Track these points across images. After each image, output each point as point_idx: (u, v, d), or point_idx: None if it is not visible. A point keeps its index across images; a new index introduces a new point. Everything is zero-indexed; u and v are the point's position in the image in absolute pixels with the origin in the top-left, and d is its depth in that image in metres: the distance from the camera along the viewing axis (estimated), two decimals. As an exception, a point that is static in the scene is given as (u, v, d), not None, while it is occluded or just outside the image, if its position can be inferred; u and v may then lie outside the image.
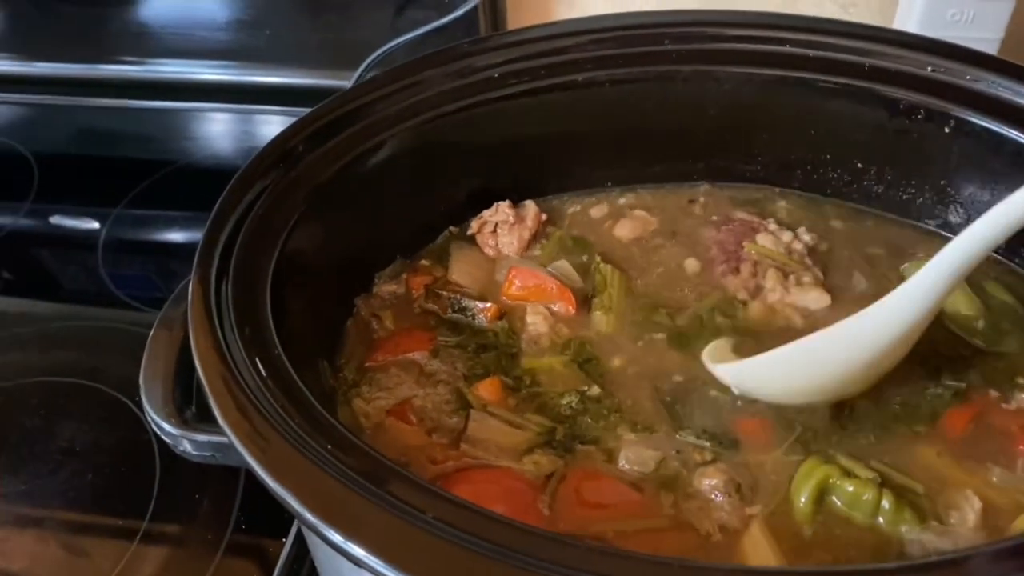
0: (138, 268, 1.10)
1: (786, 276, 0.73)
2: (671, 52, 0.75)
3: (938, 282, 0.57)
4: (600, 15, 0.77)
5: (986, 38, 0.97)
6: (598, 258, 0.74)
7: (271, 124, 1.24)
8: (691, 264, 0.75)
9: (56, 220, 1.14)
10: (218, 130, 1.27)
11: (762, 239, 0.75)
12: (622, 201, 0.81)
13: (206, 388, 0.52)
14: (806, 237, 0.76)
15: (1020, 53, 0.95)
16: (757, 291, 0.72)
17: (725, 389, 0.65)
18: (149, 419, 0.61)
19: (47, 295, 1.04)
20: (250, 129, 1.26)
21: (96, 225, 1.11)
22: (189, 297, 0.56)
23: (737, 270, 0.74)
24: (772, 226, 0.77)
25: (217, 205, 0.61)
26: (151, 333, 0.66)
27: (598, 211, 0.80)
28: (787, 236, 0.76)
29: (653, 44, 0.75)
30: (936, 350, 0.66)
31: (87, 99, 1.28)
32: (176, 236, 1.13)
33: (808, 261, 0.74)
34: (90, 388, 0.90)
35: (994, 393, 0.64)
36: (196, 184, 1.15)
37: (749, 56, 0.74)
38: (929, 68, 0.71)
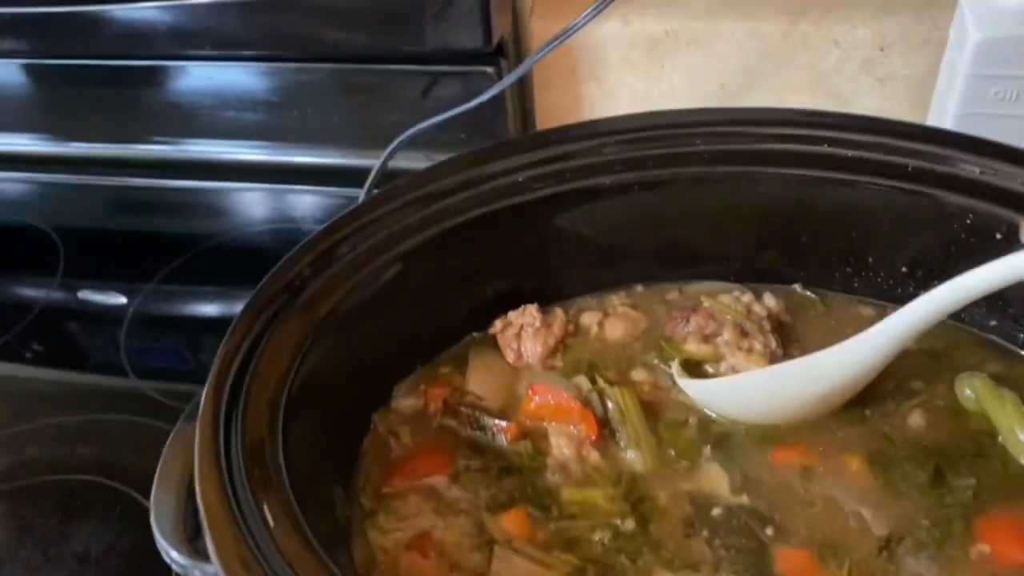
0: (168, 346, 1.08)
1: (744, 335, 0.71)
2: (703, 153, 0.72)
3: (895, 335, 0.62)
4: (627, 115, 0.74)
5: (1032, 116, 0.93)
6: (600, 381, 0.70)
7: (302, 203, 1.24)
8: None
9: (84, 295, 1.13)
10: (249, 208, 1.27)
11: (721, 296, 0.74)
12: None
13: (209, 542, 0.49)
14: (771, 302, 0.74)
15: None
16: (710, 338, 0.71)
17: (763, 523, 0.61)
18: (159, 545, 0.59)
19: (71, 381, 1.03)
20: (281, 207, 1.26)
21: (123, 300, 1.10)
22: (196, 440, 0.54)
23: (688, 320, 0.72)
24: (736, 291, 0.75)
25: (227, 334, 0.59)
26: (164, 451, 0.64)
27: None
28: (748, 297, 0.74)
29: (684, 145, 0.72)
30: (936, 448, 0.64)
31: (119, 178, 1.29)
32: (210, 311, 1.12)
33: (766, 325, 0.72)
34: (108, 487, 0.88)
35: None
36: (228, 262, 1.14)
37: (784, 156, 0.71)
38: (978, 170, 0.68)
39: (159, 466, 0.63)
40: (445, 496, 0.64)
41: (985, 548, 0.58)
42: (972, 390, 0.66)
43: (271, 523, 0.50)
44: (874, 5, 1.02)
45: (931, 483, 0.62)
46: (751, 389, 0.67)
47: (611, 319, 0.76)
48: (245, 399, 0.56)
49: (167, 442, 0.64)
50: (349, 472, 0.66)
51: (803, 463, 0.65)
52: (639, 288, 0.79)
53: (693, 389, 0.69)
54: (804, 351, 0.69)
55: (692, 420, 0.68)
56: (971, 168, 0.68)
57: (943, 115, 0.96)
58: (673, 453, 0.66)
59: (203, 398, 0.56)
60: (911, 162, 0.69)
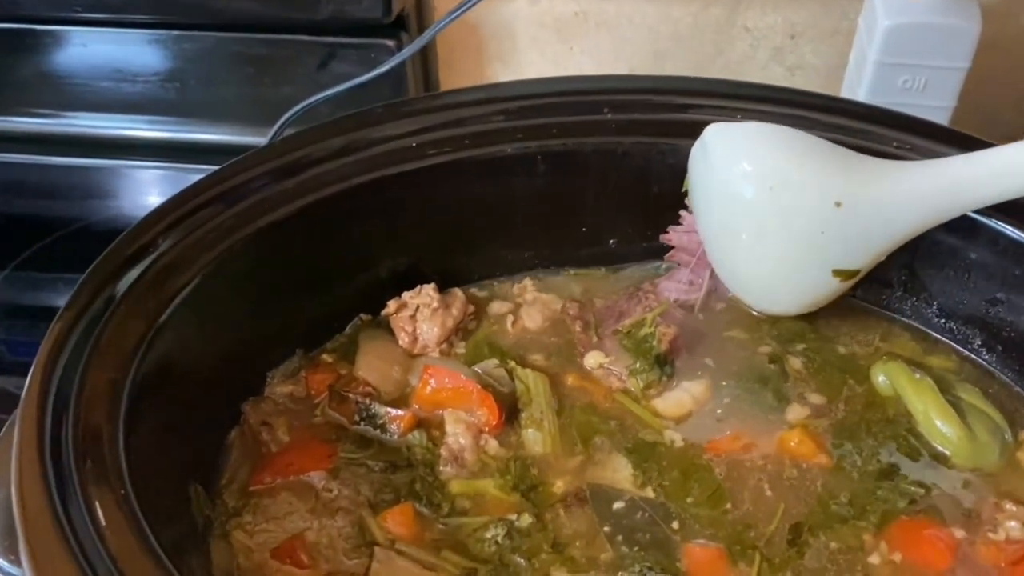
0: (30, 337, 0.98)
1: None
2: (611, 122, 0.68)
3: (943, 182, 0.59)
4: (532, 79, 0.69)
5: (938, 106, 0.93)
6: (512, 363, 0.65)
7: (186, 182, 1.15)
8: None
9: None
10: (128, 188, 1.18)
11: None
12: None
13: (22, 546, 0.41)
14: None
15: (971, 121, 0.92)
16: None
17: (668, 517, 0.56)
18: (-16, 553, 0.50)
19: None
20: (164, 187, 1.17)
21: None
22: (17, 425, 0.45)
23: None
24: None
25: (64, 305, 0.51)
26: (-6, 448, 0.55)
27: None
28: None
29: (591, 113, 0.68)
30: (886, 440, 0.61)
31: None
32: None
33: None
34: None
35: (974, 519, 0.57)
36: (100, 246, 1.05)
37: (695, 127, 0.66)
38: (895, 144, 0.65)
39: (-13, 464, 0.54)
40: (322, 493, 0.57)
41: (891, 549, 0.56)
42: (887, 375, 0.64)
43: (103, 523, 0.42)
44: (785, -8, 1.01)
45: (877, 474, 0.59)
46: (775, 141, 0.61)
47: (526, 308, 0.71)
48: (81, 380, 0.48)
49: (-1, 434, 0.55)
50: (212, 467, 0.58)
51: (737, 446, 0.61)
52: (544, 273, 0.74)
53: (715, 130, 0.62)
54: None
55: (612, 424, 0.63)
56: (887, 142, 0.65)
57: (853, 103, 0.95)
58: (576, 436, 0.61)
59: (29, 376, 0.48)
60: (825, 135, 0.66)
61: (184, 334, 0.54)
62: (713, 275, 0.69)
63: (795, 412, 0.64)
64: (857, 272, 0.63)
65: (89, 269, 0.53)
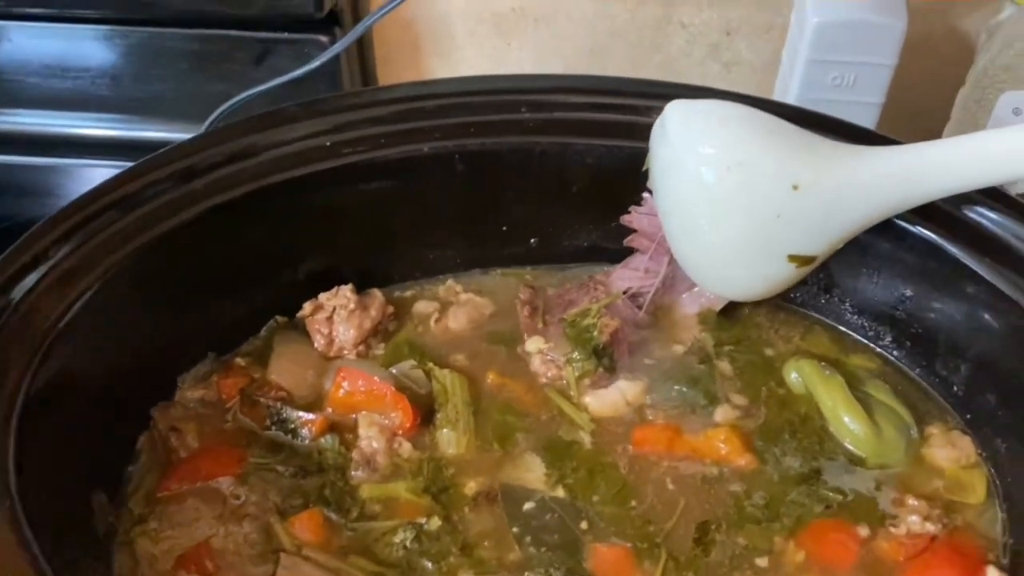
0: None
1: None
2: (528, 121, 0.67)
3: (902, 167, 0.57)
4: (450, 79, 0.69)
5: (867, 102, 0.94)
6: (430, 364, 0.65)
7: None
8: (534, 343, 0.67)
9: None
10: (53, 186, 1.15)
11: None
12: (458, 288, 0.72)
13: None
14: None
15: (901, 118, 0.93)
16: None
17: (578, 516, 0.56)
18: None
19: None
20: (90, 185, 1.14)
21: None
22: None
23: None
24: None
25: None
26: None
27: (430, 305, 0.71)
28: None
29: (508, 112, 0.67)
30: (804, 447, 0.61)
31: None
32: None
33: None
34: None
35: (878, 515, 0.58)
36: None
37: (614, 127, 0.67)
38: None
39: None
40: (230, 500, 0.56)
41: (798, 547, 0.56)
42: (798, 373, 0.64)
43: (-17, 538, 0.41)
44: (720, -11, 1.01)
45: (798, 478, 0.59)
46: (735, 120, 0.58)
47: (454, 308, 0.70)
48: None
49: None
50: (118, 474, 0.57)
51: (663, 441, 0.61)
52: (470, 274, 0.73)
53: (675, 107, 0.60)
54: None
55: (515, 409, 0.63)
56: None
57: (785, 100, 0.95)
58: (492, 435, 0.61)
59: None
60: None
61: (85, 341, 0.53)
62: (671, 263, 0.67)
63: (724, 413, 0.64)
64: (814, 259, 0.61)
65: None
